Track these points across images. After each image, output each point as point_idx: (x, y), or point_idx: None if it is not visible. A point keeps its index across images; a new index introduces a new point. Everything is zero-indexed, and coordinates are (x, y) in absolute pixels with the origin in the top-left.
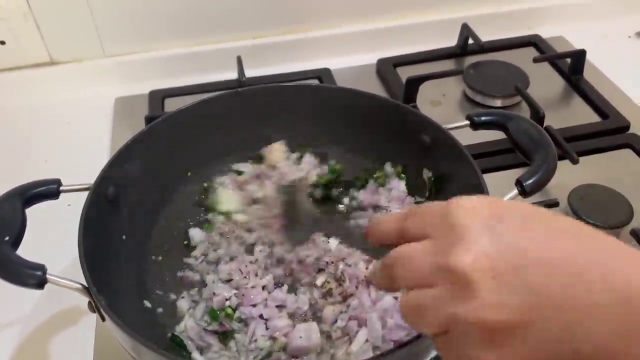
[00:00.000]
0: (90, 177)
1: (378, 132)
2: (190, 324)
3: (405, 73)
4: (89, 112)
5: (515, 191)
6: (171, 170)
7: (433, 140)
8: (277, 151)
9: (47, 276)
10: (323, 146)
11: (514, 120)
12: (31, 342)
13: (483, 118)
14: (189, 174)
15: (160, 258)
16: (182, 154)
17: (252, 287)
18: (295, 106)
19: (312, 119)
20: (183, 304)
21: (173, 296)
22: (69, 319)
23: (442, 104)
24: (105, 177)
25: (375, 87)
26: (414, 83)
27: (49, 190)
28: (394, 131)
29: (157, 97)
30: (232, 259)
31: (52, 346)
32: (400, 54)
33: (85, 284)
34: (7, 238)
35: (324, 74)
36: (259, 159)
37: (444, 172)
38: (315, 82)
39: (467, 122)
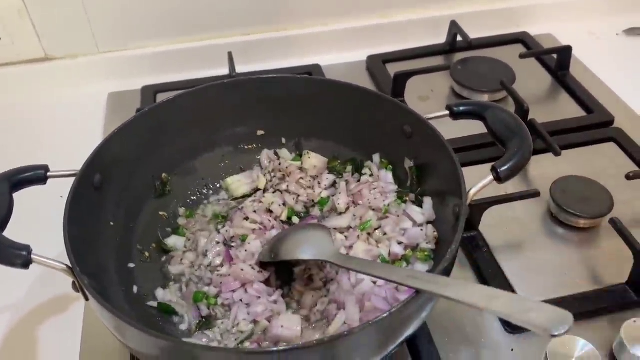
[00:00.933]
0: None
1: (361, 123)
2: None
3: (394, 69)
4: (82, 107)
5: (491, 177)
6: (157, 161)
7: (414, 130)
8: (313, 158)
9: (32, 256)
10: (306, 137)
11: (491, 109)
12: (21, 328)
13: (462, 108)
14: (175, 165)
15: (144, 248)
16: (168, 144)
17: (228, 275)
18: (277, 98)
19: (294, 110)
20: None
21: (160, 287)
22: (58, 306)
23: (430, 99)
24: (91, 164)
25: (364, 83)
26: (402, 78)
27: (36, 175)
28: (376, 122)
29: (149, 93)
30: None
31: (42, 331)
32: (390, 50)
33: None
34: None
35: (314, 70)
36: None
37: (424, 161)
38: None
39: (447, 112)
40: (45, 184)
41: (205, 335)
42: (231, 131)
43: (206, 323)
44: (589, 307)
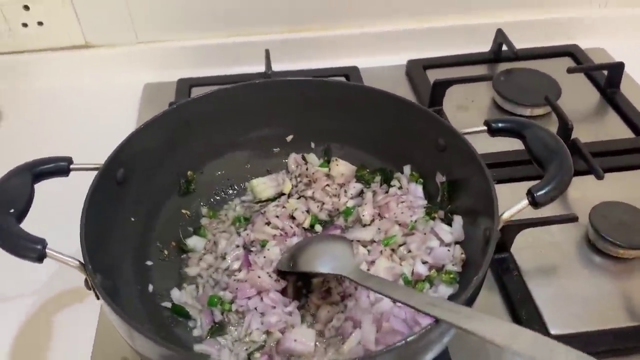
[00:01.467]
0: None
1: (393, 132)
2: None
3: (434, 76)
4: (118, 96)
5: (525, 202)
6: (184, 158)
7: (448, 144)
8: (342, 165)
9: (47, 250)
10: (336, 143)
11: (531, 128)
12: (39, 315)
13: (500, 124)
14: (202, 163)
15: (164, 246)
16: (196, 141)
17: (245, 280)
18: (309, 101)
19: (326, 114)
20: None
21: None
22: (77, 296)
23: (469, 110)
24: (115, 159)
25: (403, 89)
26: (441, 86)
27: (58, 167)
28: (409, 132)
29: (185, 86)
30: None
31: (58, 320)
32: (431, 56)
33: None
34: (12, 210)
35: (351, 72)
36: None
37: (456, 177)
38: (342, 79)
39: (484, 127)
40: (67, 176)
41: (217, 342)
42: (260, 132)
43: (219, 329)
44: (625, 344)
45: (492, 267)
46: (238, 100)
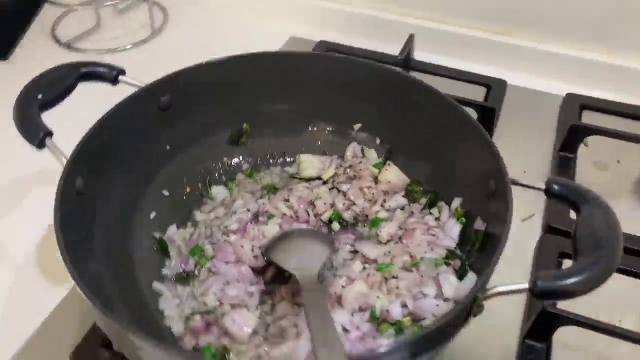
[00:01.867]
0: None
1: (458, 157)
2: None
3: (590, 120)
4: (260, 42)
5: (525, 285)
6: (246, 109)
7: (498, 190)
8: (392, 172)
9: (47, 141)
10: (402, 149)
11: (591, 204)
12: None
13: (558, 187)
14: (263, 121)
15: (189, 181)
16: (269, 98)
17: (230, 243)
18: (385, 92)
19: (408, 118)
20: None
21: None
22: None
23: (607, 170)
24: (163, 83)
25: (547, 123)
26: (578, 132)
27: (105, 73)
28: (470, 161)
29: (320, 49)
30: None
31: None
32: (597, 95)
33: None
34: (39, 96)
35: (495, 85)
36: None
37: (494, 231)
38: (482, 89)
39: (544, 186)
40: (114, 85)
41: (175, 289)
42: (330, 111)
43: (184, 278)
44: None
45: (520, 355)
46: (324, 71)
